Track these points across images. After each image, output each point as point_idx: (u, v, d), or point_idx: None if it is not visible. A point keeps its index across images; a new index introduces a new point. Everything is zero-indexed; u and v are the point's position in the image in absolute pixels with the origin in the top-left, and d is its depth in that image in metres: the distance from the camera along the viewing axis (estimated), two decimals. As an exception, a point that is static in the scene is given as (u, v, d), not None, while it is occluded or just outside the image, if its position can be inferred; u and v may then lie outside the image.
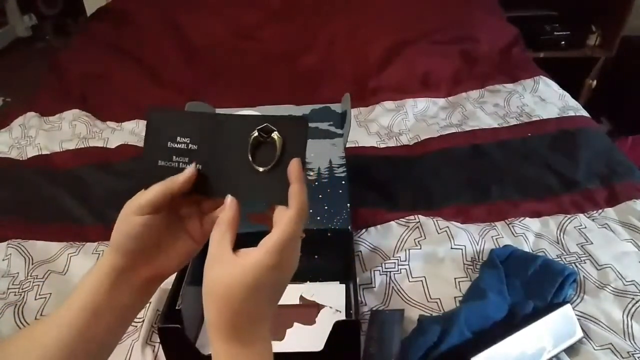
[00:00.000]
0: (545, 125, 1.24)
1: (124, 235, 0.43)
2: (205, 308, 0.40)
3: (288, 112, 0.91)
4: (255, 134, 0.42)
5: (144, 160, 0.46)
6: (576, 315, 0.72)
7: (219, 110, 0.90)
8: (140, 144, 1.21)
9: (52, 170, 1.15)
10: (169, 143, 0.45)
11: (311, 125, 0.90)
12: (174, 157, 0.45)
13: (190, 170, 0.43)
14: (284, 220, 0.39)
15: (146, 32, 1.68)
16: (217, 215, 0.43)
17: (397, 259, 0.85)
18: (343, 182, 0.85)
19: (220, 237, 0.40)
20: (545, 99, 1.37)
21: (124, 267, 0.44)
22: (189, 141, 0.45)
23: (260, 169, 0.42)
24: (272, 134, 0.42)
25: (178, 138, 0.45)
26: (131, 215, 0.42)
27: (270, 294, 0.40)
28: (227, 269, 0.39)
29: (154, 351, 0.72)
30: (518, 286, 0.78)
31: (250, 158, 0.43)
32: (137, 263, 0.44)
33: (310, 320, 0.74)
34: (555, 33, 2.01)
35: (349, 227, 0.82)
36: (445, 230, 0.90)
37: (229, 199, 0.42)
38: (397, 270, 0.84)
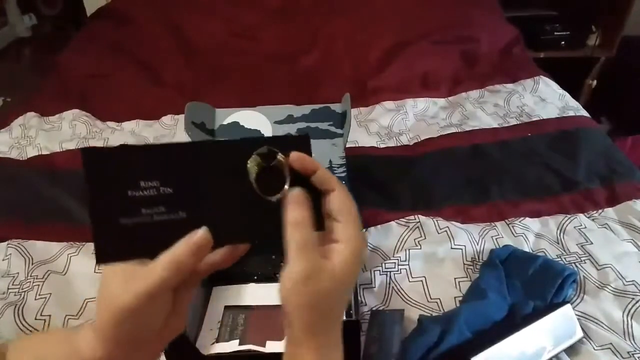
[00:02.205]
0: (545, 125, 1.24)
1: (118, 326, 0.33)
2: (298, 318, 0.36)
3: (288, 111, 0.91)
4: (257, 159, 0.35)
5: (95, 220, 0.33)
6: (576, 315, 0.72)
7: (219, 111, 0.90)
8: (140, 143, 1.21)
9: (52, 170, 1.15)
10: (129, 192, 0.34)
11: (311, 125, 0.90)
12: (143, 209, 0.34)
13: (201, 234, 0.34)
14: (351, 233, 0.37)
15: (146, 32, 1.68)
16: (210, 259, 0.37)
17: (397, 259, 0.85)
18: (343, 182, 0.85)
19: (300, 245, 0.35)
20: (545, 99, 1.37)
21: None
22: (158, 184, 0.34)
23: (273, 199, 0.36)
24: (277, 157, 0.36)
25: (141, 183, 0.34)
26: (129, 302, 0.33)
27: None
28: (324, 274, 0.35)
29: (154, 351, 0.71)
30: (518, 286, 0.78)
31: (256, 188, 0.36)
32: (133, 349, 0.35)
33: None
34: (555, 33, 2.01)
35: (349, 227, 0.82)
36: (445, 230, 0.90)
37: (295, 193, 0.36)
38: (397, 270, 0.84)
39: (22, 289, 0.84)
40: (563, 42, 2.02)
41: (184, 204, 0.35)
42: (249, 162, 0.35)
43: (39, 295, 0.82)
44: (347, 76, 1.52)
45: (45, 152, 1.21)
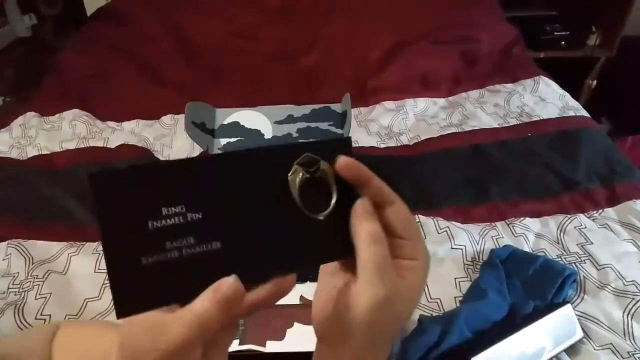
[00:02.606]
0: (546, 125, 1.24)
1: None
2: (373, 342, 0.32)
3: (288, 111, 0.91)
4: (300, 170, 0.30)
5: (112, 264, 0.27)
6: (576, 315, 0.72)
7: (219, 110, 0.90)
8: (141, 143, 1.22)
9: (52, 170, 1.15)
10: (149, 223, 0.27)
11: (311, 125, 0.90)
12: (168, 242, 0.28)
13: (229, 284, 0.27)
14: (420, 251, 0.33)
15: (146, 32, 1.69)
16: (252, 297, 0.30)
17: (397, 259, 0.85)
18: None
19: (380, 264, 0.30)
20: (546, 99, 1.37)
21: None
22: (184, 209, 0.28)
23: (320, 216, 0.30)
24: (319, 165, 0.30)
25: (163, 210, 0.28)
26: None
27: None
28: (401, 295, 0.32)
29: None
30: (518, 286, 0.78)
31: (301, 205, 0.30)
32: None
33: (310, 320, 0.74)
34: (555, 33, 2.01)
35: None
36: (446, 230, 0.90)
37: (364, 202, 0.31)
38: (397, 270, 0.83)
39: (22, 288, 0.84)
40: (563, 42, 2.02)
41: (218, 231, 0.28)
42: (290, 174, 0.30)
43: (39, 295, 0.82)
44: (347, 76, 1.53)
45: (45, 152, 1.21)
